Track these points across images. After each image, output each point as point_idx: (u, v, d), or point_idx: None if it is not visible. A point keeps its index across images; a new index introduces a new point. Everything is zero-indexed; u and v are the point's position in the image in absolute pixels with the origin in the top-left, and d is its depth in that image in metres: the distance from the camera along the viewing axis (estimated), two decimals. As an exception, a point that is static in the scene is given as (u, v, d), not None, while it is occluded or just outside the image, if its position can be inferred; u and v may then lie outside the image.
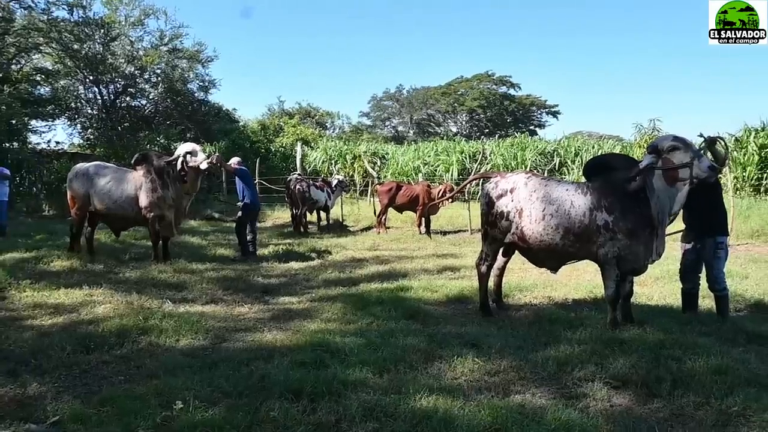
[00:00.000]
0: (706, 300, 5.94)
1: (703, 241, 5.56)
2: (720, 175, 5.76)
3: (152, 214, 8.52)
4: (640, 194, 4.95)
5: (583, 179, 5.63)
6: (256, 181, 17.08)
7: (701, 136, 5.43)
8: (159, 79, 25.80)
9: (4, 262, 7.92)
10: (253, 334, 5.17)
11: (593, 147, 22.46)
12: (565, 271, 5.91)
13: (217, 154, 10.12)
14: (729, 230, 5.73)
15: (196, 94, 27.29)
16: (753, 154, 17.30)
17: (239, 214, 10.01)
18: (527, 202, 5.37)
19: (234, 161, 10.45)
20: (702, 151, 5.13)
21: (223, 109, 30.38)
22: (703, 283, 5.72)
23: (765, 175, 16.84)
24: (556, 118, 54.56)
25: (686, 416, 3.48)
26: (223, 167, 9.82)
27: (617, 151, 21.38)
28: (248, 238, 9.83)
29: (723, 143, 5.48)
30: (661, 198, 4.92)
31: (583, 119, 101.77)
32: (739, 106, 76.01)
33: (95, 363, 4.31)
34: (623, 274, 5.18)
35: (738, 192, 16.13)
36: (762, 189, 16.68)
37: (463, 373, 4.10)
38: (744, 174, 16.96)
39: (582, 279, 7.59)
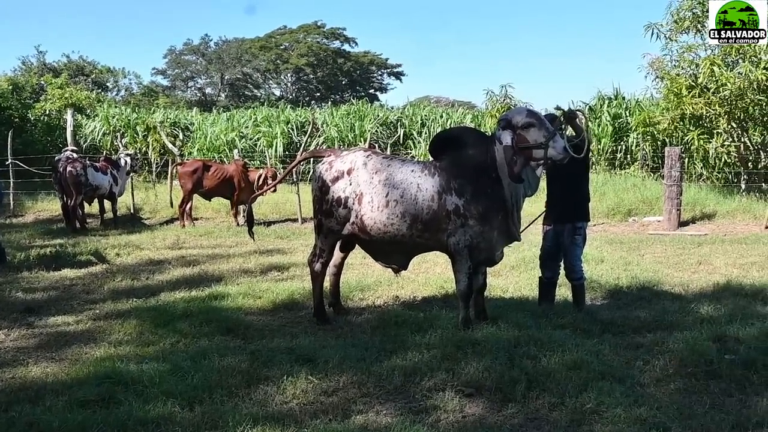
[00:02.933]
0: (562, 289, 6.67)
1: (562, 226, 6.18)
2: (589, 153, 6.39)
3: None
4: (491, 174, 5.38)
5: (429, 156, 5.95)
6: (9, 161, 15.72)
7: (559, 109, 5.96)
8: None
9: None
10: (14, 368, 4.92)
11: (441, 116, 23.74)
12: (412, 263, 6.25)
13: None
14: (590, 215, 6.37)
15: None
16: (607, 124, 19.52)
17: None
18: (368, 185, 5.58)
19: None
20: (561, 127, 5.67)
21: (-49, 60, 27.33)
22: (562, 271, 6.39)
23: (619, 147, 19.08)
24: (400, 80, 56.92)
25: (541, 419, 3.93)
26: None
27: (468, 121, 22.87)
28: None
29: (584, 116, 6.05)
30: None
31: (430, 83, 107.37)
32: (593, 72, 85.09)
33: None
34: (476, 265, 5.62)
35: (593, 167, 18.09)
36: (617, 163, 18.90)
37: (295, 396, 4.21)
38: (599, 147, 19.05)
39: (432, 273, 8.10)
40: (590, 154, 6.32)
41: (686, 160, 15.78)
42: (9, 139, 16.32)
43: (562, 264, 6.34)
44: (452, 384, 4.32)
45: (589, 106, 20.35)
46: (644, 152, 18.32)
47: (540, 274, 6.45)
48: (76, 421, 3.65)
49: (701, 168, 16.91)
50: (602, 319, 5.85)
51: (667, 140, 16.67)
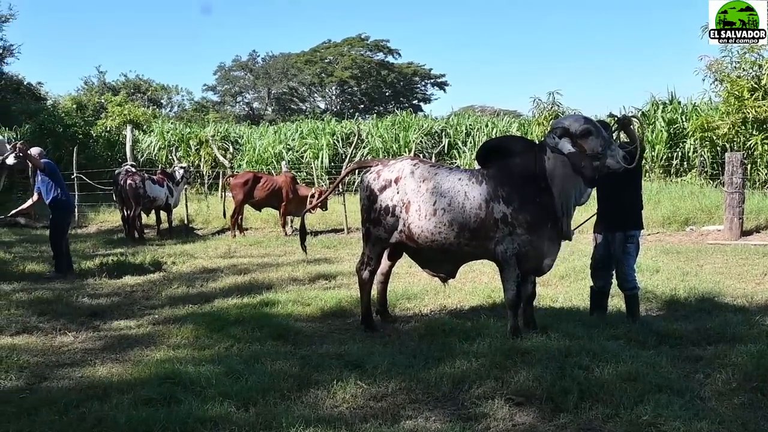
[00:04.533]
0: (615, 299, 6.56)
1: (612, 234, 6.09)
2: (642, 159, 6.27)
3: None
4: (540, 183, 5.38)
5: (476, 165, 5.99)
6: (74, 175, 16.52)
7: (612, 116, 5.87)
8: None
9: None
10: (82, 368, 5.16)
11: (486, 125, 23.57)
12: (459, 273, 6.26)
13: (21, 143, 9.69)
14: (643, 222, 6.25)
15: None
16: (661, 131, 19.00)
17: (50, 218, 9.74)
18: (415, 194, 5.65)
19: (35, 152, 10.04)
20: (615, 134, 5.63)
21: (25, 83, 28.68)
22: (614, 280, 6.27)
23: (675, 154, 18.61)
24: (444, 90, 56.90)
25: (594, 430, 3.88)
26: (30, 161, 9.54)
27: (514, 130, 22.71)
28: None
29: (639, 122, 5.93)
30: (566, 187, 5.37)
31: (475, 91, 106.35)
32: (645, 77, 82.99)
33: None
34: (525, 274, 5.60)
35: (647, 174, 17.66)
36: (672, 170, 18.43)
37: (345, 400, 4.29)
38: (653, 154, 18.60)
39: (479, 282, 8.10)
40: (642, 159, 6.20)
41: (749, 166, 15.14)
42: (74, 154, 17.04)
43: (614, 274, 6.23)
44: (501, 392, 4.31)
45: (642, 112, 19.90)
46: (702, 158, 17.77)
47: (591, 284, 6.37)
48: (141, 418, 3.83)
49: (766, 174, 16.29)
50: (658, 331, 5.69)
51: (728, 145, 16.15)
